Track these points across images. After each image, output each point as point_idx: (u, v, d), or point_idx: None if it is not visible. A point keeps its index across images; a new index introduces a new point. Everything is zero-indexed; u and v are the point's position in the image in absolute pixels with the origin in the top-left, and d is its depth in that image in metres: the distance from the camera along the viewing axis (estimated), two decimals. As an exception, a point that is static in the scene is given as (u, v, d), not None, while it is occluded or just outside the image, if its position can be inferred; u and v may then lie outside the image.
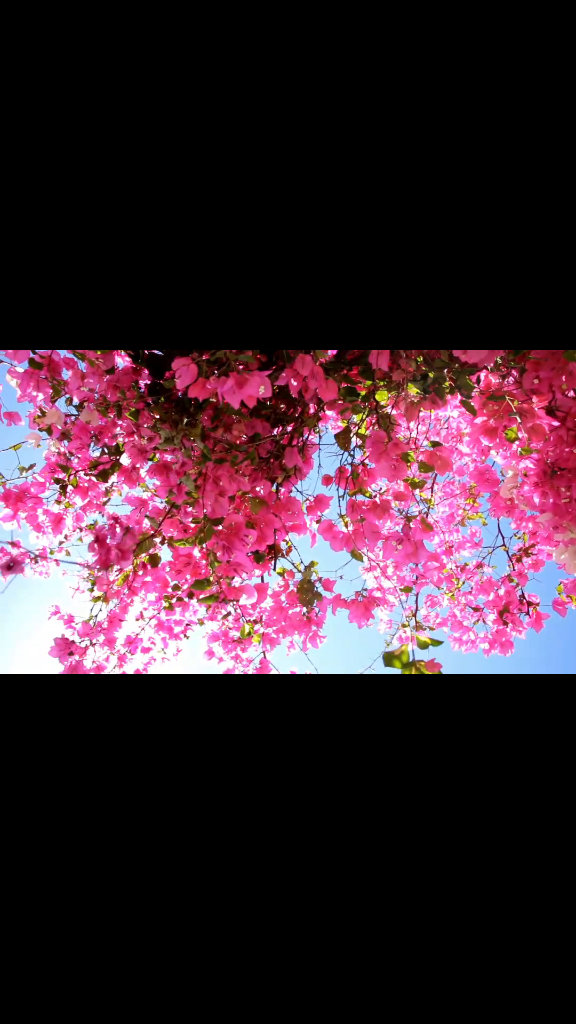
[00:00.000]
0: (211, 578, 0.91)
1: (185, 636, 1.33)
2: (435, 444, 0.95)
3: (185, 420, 0.96)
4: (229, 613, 1.05)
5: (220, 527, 0.93)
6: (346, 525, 1.06)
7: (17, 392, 1.03)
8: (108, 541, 0.84)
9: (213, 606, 1.15)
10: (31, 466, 1.28)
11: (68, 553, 1.37)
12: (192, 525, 1.07)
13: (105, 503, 1.29)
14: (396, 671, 0.83)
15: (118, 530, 0.84)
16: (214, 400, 1.02)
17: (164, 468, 1.04)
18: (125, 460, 1.04)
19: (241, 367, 0.82)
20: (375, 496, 1.04)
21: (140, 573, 1.18)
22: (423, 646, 0.83)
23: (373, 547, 1.03)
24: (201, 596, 0.95)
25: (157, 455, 1.13)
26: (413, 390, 1.14)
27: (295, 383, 0.89)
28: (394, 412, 1.12)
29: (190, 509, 0.86)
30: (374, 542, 1.02)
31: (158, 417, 0.91)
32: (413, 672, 0.83)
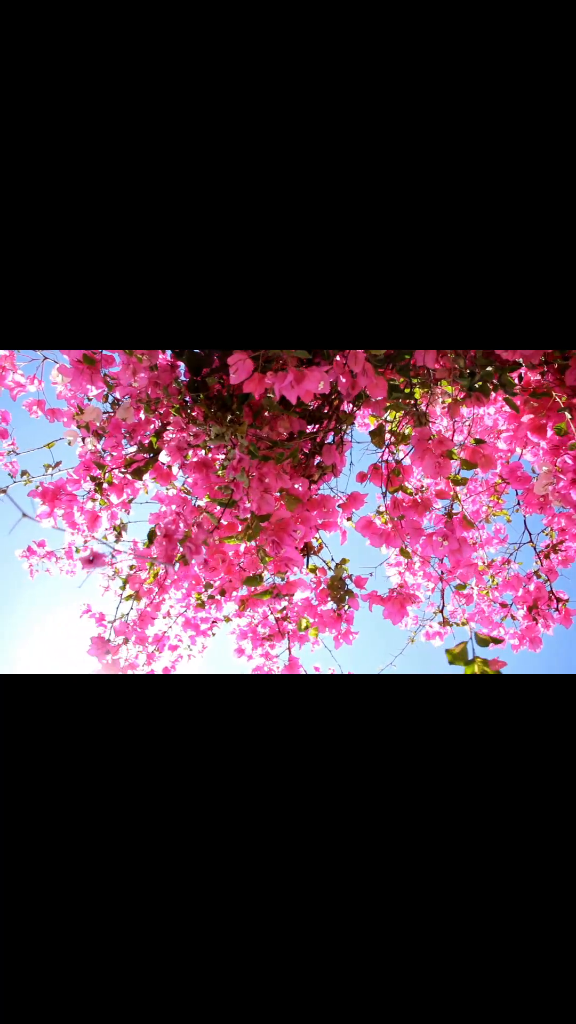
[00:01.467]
0: (262, 573, 0.91)
1: (212, 633, 1.33)
2: (478, 442, 0.96)
3: (229, 417, 0.96)
4: (284, 608, 1.05)
5: (266, 523, 0.93)
6: (385, 522, 1.07)
7: (58, 389, 1.02)
8: (175, 536, 0.83)
9: (248, 603, 1.15)
10: (57, 463, 1.27)
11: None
12: (224, 523, 1.07)
13: (130, 501, 1.28)
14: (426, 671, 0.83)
15: (182, 525, 0.84)
16: (255, 397, 1.02)
17: (203, 466, 1.03)
18: (164, 457, 1.03)
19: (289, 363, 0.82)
20: (416, 493, 1.05)
21: (174, 570, 1.17)
22: (483, 644, 0.83)
23: (414, 544, 1.04)
24: (254, 592, 0.94)
25: (191, 452, 1.12)
26: (448, 388, 1.15)
27: (344, 380, 0.90)
28: (427, 409, 1.13)
29: (247, 505, 0.86)
30: (415, 539, 1.02)
31: (202, 413, 0.91)
32: (476, 669, 0.83)
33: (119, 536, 1.36)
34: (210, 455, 1.10)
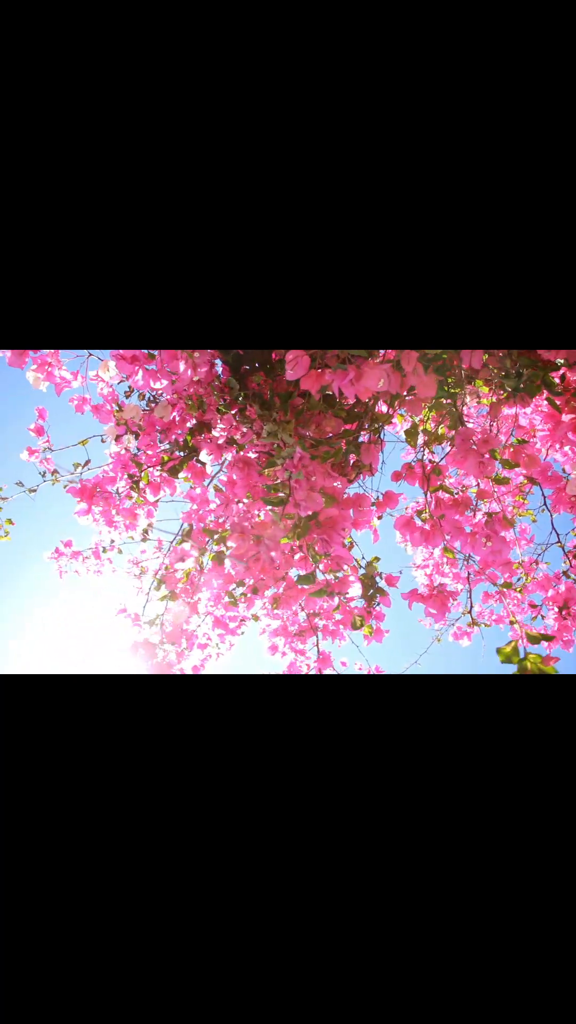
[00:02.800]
0: (315, 572, 0.91)
1: (241, 632, 1.33)
2: (521, 442, 0.96)
3: (274, 415, 0.96)
4: (339, 606, 1.05)
5: (313, 522, 0.93)
6: (425, 520, 1.07)
7: (100, 386, 1.02)
8: (248, 532, 0.83)
9: (281, 601, 1.15)
10: (87, 462, 1.26)
11: (120, 551, 1.35)
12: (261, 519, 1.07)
13: (157, 501, 1.27)
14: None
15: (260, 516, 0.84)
16: (295, 396, 1.02)
17: (245, 464, 1.03)
18: (205, 456, 1.03)
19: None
20: (457, 492, 1.05)
21: (207, 570, 1.17)
22: (534, 641, 0.84)
23: (453, 543, 1.04)
24: (307, 591, 0.94)
25: (226, 453, 1.12)
26: (483, 388, 1.16)
27: (393, 379, 0.90)
28: (461, 409, 1.13)
29: (308, 503, 0.86)
30: (455, 538, 1.03)
31: (254, 411, 0.90)
32: (528, 668, 0.83)
33: (145, 536, 1.35)
34: (242, 453, 1.10)
